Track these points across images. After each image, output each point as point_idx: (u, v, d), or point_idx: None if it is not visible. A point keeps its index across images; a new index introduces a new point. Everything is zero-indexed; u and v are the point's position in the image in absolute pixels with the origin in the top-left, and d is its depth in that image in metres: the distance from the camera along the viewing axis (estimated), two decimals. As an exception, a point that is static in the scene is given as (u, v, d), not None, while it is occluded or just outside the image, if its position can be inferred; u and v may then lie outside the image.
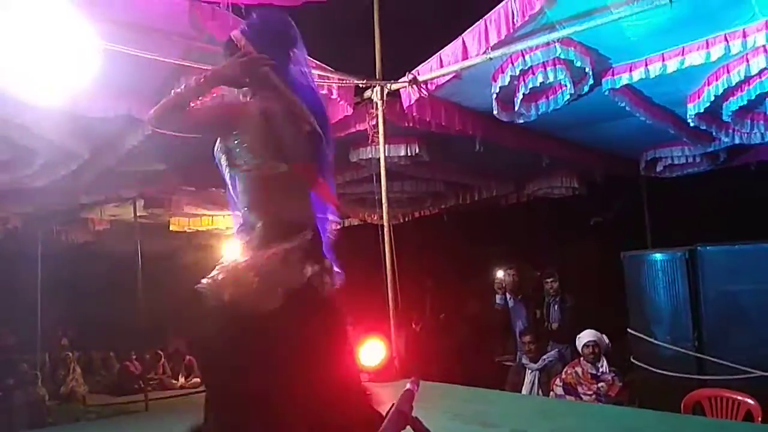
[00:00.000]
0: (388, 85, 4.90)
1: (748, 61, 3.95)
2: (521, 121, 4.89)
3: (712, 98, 4.40)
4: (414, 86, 4.77)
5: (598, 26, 3.78)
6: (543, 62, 4.17)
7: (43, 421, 7.06)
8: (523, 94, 4.44)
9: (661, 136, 5.88)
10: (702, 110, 4.62)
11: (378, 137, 4.95)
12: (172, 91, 1.95)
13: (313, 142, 2.00)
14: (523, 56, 4.17)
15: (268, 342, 1.82)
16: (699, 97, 4.55)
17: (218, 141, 2.03)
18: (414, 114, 4.92)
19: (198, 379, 8.34)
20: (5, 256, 7.95)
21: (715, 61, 3.97)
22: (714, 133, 5.39)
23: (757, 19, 3.61)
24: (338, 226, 2.16)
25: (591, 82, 4.35)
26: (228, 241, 8.12)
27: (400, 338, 5.20)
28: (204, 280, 1.88)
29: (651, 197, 7.64)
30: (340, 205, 2.29)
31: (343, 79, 4.71)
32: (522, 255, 8.06)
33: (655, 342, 5.08)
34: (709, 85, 4.37)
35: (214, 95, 2.09)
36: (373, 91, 4.92)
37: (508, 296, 7.02)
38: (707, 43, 3.87)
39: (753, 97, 4.37)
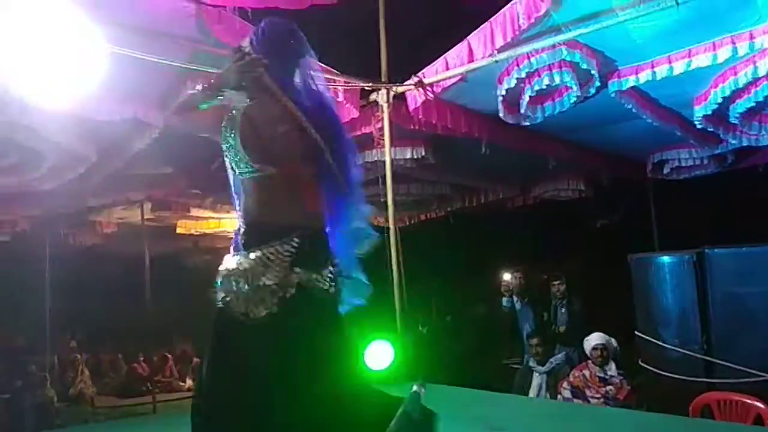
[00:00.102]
0: (394, 88, 4.91)
1: (755, 63, 3.93)
2: (527, 123, 4.88)
3: (720, 100, 4.39)
4: (420, 89, 4.77)
5: (604, 28, 3.77)
6: (549, 64, 4.16)
7: (52, 423, 7.10)
8: (529, 96, 4.43)
9: (668, 139, 5.85)
10: (709, 112, 4.61)
11: (384, 140, 4.96)
12: (186, 93, 1.99)
13: (305, 145, 1.97)
14: (529, 58, 4.16)
15: (259, 350, 1.82)
16: (706, 99, 4.53)
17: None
18: (420, 116, 4.92)
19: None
20: (14, 258, 8.01)
21: (722, 63, 3.95)
22: (721, 135, 5.36)
23: (764, 21, 3.60)
24: (371, 239, 2.12)
25: (597, 84, 4.34)
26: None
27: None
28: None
29: (658, 199, 7.60)
30: (372, 215, 2.23)
31: (348, 82, 4.72)
32: (529, 258, 8.05)
33: (663, 345, 5.05)
34: (716, 87, 4.35)
35: (221, 98, 2.09)
36: (378, 93, 4.92)
37: (515, 299, 7.01)
38: (714, 45, 3.85)
39: (760, 99, 4.34)
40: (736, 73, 4.12)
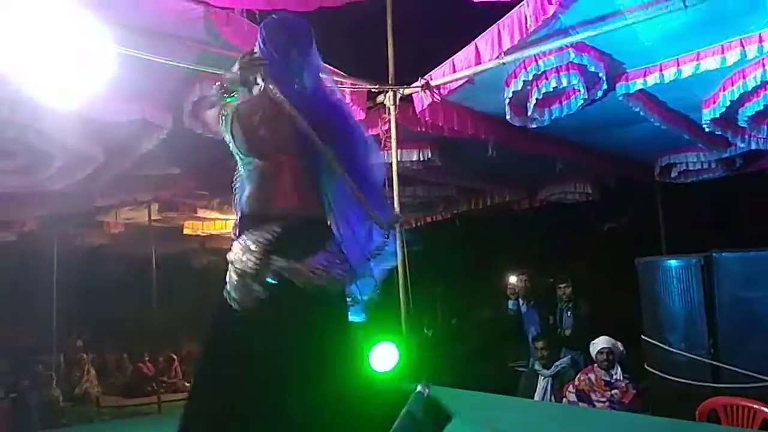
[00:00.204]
0: (401, 90, 4.91)
1: (764, 66, 3.91)
2: (534, 126, 4.88)
3: (728, 103, 4.36)
4: (427, 91, 4.77)
5: (612, 31, 3.77)
6: (556, 67, 4.15)
7: (57, 422, 7.14)
8: (537, 99, 4.42)
9: (675, 142, 5.83)
10: (717, 115, 4.58)
11: (390, 142, 4.96)
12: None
13: (294, 139, 1.99)
14: (537, 61, 4.15)
15: (241, 337, 1.87)
16: (714, 102, 4.51)
17: None
18: (426, 119, 4.92)
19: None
20: (22, 258, 8.06)
21: (731, 66, 3.94)
22: (730, 139, 5.33)
23: (774, 24, 3.59)
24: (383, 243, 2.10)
25: (605, 87, 4.32)
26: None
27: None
28: None
29: (666, 203, 7.57)
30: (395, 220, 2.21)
31: (355, 84, 4.72)
32: (535, 260, 8.04)
33: (670, 349, 5.03)
34: (724, 90, 4.33)
35: (235, 96, 2.16)
36: (385, 95, 4.93)
37: (520, 301, 7.00)
38: (723, 48, 3.84)
39: (769, 102, 4.33)
40: (745, 76, 4.10)
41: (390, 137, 4.95)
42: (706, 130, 4.92)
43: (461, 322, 8.46)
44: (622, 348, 5.17)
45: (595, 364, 5.10)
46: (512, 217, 8.71)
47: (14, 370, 7.97)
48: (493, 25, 4.18)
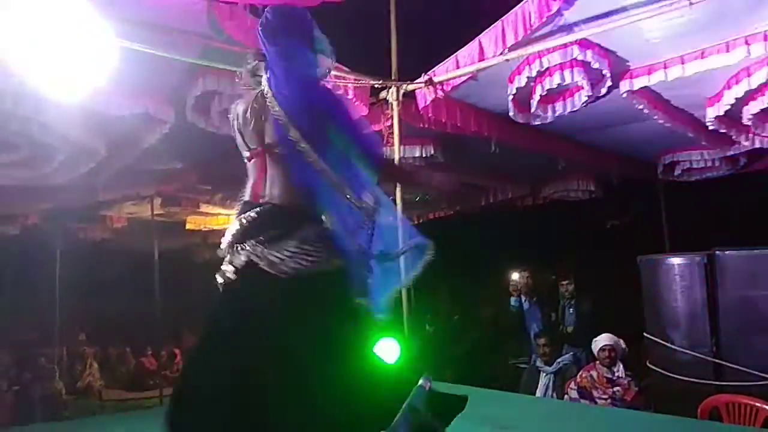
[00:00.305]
0: (404, 86, 4.90)
1: (769, 63, 3.90)
2: (537, 123, 4.87)
3: (732, 101, 4.35)
4: (430, 87, 4.76)
5: (616, 28, 3.75)
6: (560, 64, 4.14)
7: (60, 415, 7.16)
8: (540, 95, 4.41)
9: (679, 140, 5.81)
10: (722, 113, 4.57)
11: (393, 138, 4.95)
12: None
13: (273, 131, 2.03)
14: (540, 58, 4.14)
15: (219, 318, 2.02)
16: (719, 100, 4.49)
17: None
18: (429, 115, 4.91)
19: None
20: (25, 251, 8.08)
21: (736, 64, 3.92)
22: (734, 137, 5.32)
23: (779, 21, 3.57)
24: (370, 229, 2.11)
25: (609, 84, 4.31)
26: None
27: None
28: None
29: (669, 201, 7.56)
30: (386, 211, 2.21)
31: (358, 80, 4.71)
32: (537, 258, 8.02)
33: (672, 347, 5.02)
34: (729, 88, 4.31)
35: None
36: (388, 91, 4.92)
37: (522, 298, 6.99)
38: (728, 45, 3.82)
39: (774, 100, 4.31)
40: (749, 74, 4.09)
41: (393, 133, 4.94)
42: (710, 128, 4.90)
43: (463, 319, 8.45)
44: (624, 345, 5.17)
45: (597, 362, 5.10)
46: (515, 214, 8.70)
47: (17, 362, 8.00)
48: (497, 22, 4.16)
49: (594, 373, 5.05)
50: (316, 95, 2.09)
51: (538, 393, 5.74)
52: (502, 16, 4.12)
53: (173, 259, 8.50)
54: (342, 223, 2.05)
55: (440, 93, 4.76)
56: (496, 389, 4.93)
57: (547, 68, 4.19)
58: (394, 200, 4.96)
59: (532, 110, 4.62)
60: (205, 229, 8.66)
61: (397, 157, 4.98)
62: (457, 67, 4.55)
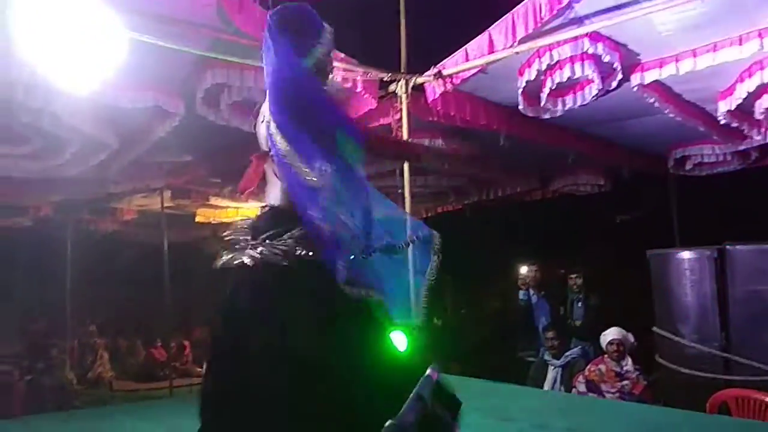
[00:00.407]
0: (413, 79, 4.88)
1: (782, 57, 3.86)
2: (547, 116, 4.85)
3: (745, 95, 4.31)
4: (439, 80, 4.74)
5: (627, 21, 3.72)
6: (570, 57, 4.11)
7: (70, 405, 7.23)
8: (550, 89, 4.39)
9: (690, 134, 5.77)
10: (733, 107, 4.53)
11: (402, 131, 4.94)
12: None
13: (267, 129, 2.02)
14: (551, 51, 4.11)
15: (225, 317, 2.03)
16: (731, 94, 4.46)
17: None
18: (438, 108, 4.90)
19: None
20: (37, 243, 8.16)
21: (748, 58, 3.88)
22: (745, 131, 5.27)
23: (793, 14, 3.53)
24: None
25: (619, 77, 4.28)
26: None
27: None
28: None
29: (679, 195, 7.52)
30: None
31: (367, 73, 4.71)
32: (546, 251, 8.01)
33: (682, 341, 5.02)
34: (741, 81, 4.27)
35: None
36: (397, 84, 4.90)
37: (531, 292, 6.99)
38: (740, 38, 3.79)
39: (787, 95, 4.28)
40: (762, 68, 4.05)
41: (401, 126, 4.94)
42: (722, 122, 4.87)
43: (471, 312, 8.46)
44: (632, 339, 5.17)
45: (606, 355, 5.10)
46: (524, 207, 8.67)
47: (29, 353, 8.08)
48: (507, 14, 4.14)
49: (602, 367, 5.05)
50: (296, 93, 2.02)
51: (546, 386, 5.75)
52: (512, 9, 4.11)
53: (183, 251, 8.54)
54: (332, 222, 1.99)
55: (449, 86, 4.74)
56: (504, 383, 4.94)
57: (558, 61, 4.16)
58: (403, 194, 4.98)
59: (542, 103, 4.60)
60: (215, 222, 8.70)
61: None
62: (467, 60, 4.53)
